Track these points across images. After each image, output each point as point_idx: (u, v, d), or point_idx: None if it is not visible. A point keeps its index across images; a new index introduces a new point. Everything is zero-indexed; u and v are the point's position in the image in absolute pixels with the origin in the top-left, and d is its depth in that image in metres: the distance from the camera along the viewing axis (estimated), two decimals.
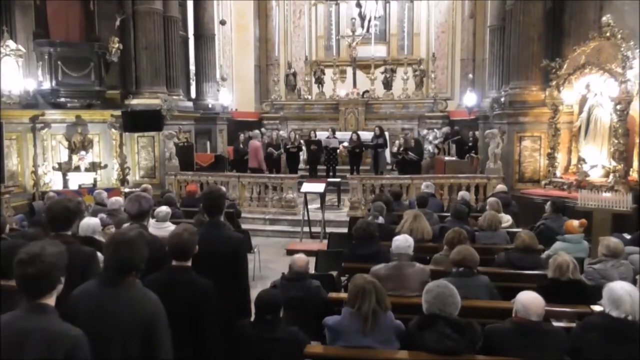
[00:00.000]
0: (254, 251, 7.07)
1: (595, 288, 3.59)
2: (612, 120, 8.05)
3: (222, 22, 16.23)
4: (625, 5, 8.12)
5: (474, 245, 5.04)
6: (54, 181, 10.26)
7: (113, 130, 10.62)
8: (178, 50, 12.13)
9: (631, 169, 7.82)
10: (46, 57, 9.87)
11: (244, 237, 3.81)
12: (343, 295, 3.86)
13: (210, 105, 14.24)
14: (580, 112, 8.75)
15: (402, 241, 4.10)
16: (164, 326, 2.38)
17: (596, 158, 8.44)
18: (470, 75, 15.88)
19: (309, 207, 9.24)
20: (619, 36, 7.74)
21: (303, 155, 13.18)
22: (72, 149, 10.44)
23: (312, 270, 4.90)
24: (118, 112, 10.31)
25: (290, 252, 6.52)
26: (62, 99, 10.22)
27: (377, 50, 16.48)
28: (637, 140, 7.75)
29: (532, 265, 4.52)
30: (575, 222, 5.26)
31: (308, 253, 4.79)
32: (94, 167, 10.53)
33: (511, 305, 3.07)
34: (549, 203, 6.37)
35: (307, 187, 9.21)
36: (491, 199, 6.69)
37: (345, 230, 7.55)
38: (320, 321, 3.23)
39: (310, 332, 3.30)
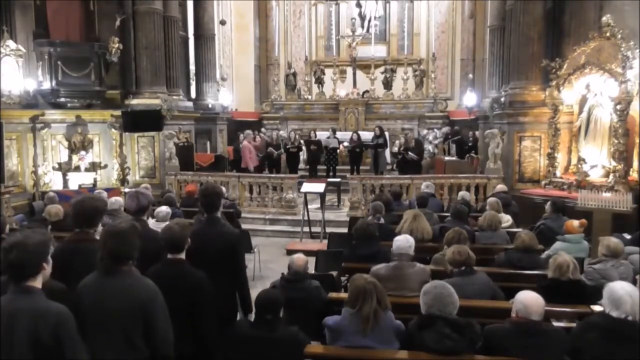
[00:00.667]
0: (253, 251, 7.07)
1: (595, 288, 3.59)
2: (612, 120, 8.05)
3: (222, 22, 16.23)
4: (625, 5, 8.12)
5: (474, 245, 5.06)
6: (54, 181, 10.26)
7: (113, 130, 10.62)
8: (178, 50, 12.13)
9: (631, 169, 7.82)
10: (46, 57, 9.88)
11: (241, 233, 3.91)
12: (343, 295, 3.86)
13: (210, 105, 14.24)
14: (580, 112, 8.75)
15: (403, 241, 4.10)
16: (162, 310, 2.52)
17: (596, 158, 8.44)
18: (470, 75, 15.88)
19: (309, 207, 9.23)
20: (619, 36, 7.74)
21: (303, 155, 13.18)
22: (72, 149, 10.44)
23: (312, 270, 4.91)
24: (118, 112, 10.30)
25: (290, 252, 6.51)
26: (62, 99, 10.22)
27: (377, 50, 16.48)
28: (637, 140, 7.75)
29: (532, 265, 4.52)
30: (575, 222, 5.26)
31: (308, 253, 4.80)
32: (94, 167, 10.53)
33: (511, 305, 3.07)
34: (549, 203, 6.37)
35: (307, 187, 9.21)
36: (491, 199, 6.69)
37: (345, 230, 7.56)
38: (320, 321, 3.23)
39: (310, 332, 3.30)
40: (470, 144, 12.94)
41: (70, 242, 3.17)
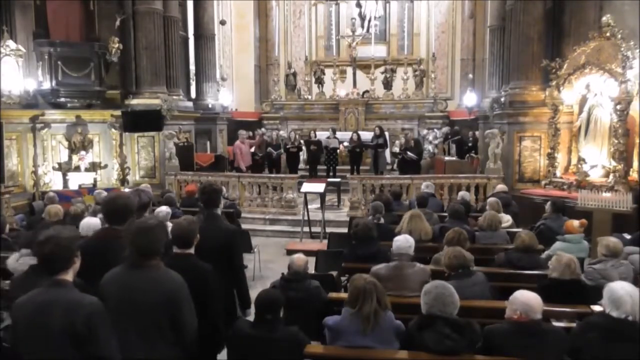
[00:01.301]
0: (253, 251, 7.07)
1: (595, 288, 3.59)
2: (612, 120, 8.05)
3: (222, 22, 16.23)
4: (625, 5, 8.13)
5: (474, 245, 5.05)
6: (54, 181, 10.26)
7: (113, 130, 10.62)
8: (178, 50, 12.13)
9: (631, 169, 7.82)
10: (46, 57, 9.88)
11: (239, 229, 3.98)
12: (343, 295, 3.86)
13: (210, 105, 14.24)
14: (580, 112, 8.75)
15: (403, 241, 4.11)
16: (188, 301, 2.64)
17: (596, 158, 8.44)
18: (470, 75, 15.88)
19: (309, 207, 9.23)
20: (619, 36, 7.74)
21: (303, 155, 13.18)
22: (72, 149, 10.44)
23: (312, 270, 4.91)
24: (118, 112, 10.31)
25: (290, 252, 6.51)
26: (62, 99, 10.22)
27: (377, 50, 16.48)
28: (637, 140, 7.75)
29: (532, 265, 4.52)
30: (576, 222, 5.26)
31: (308, 253, 4.80)
32: (94, 167, 10.53)
33: None
34: (549, 203, 6.37)
35: (307, 187, 9.21)
36: (491, 199, 6.69)
37: (345, 230, 7.55)
38: (320, 321, 3.23)
39: (310, 332, 3.30)
40: (470, 144, 12.94)
41: (98, 238, 3.24)
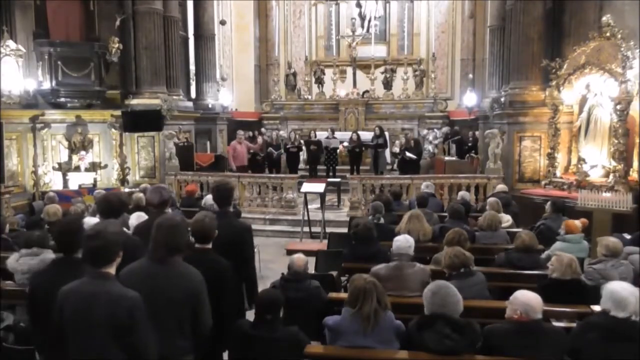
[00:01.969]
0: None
1: (596, 288, 3.59)
2: (612, 120, 8.05)
3: (222, 22, 16.22)
4: (625, 5, 8.13)
5: (474, 245, 5.05)
6: (54, 181, 10.26)
7: (113, 130, 10.62)
8: (178, 50, 12.13)
9: (631, 169, 7.82)
10: (46, 57, 9.88)
11: (249, 226, 4.06)
12: (343, 295, 3.86)
13: (210, 105, 14.24)
14: (580, 112, 8.75)
15: (403, 241, 4.10)
16: (206, 295, 2.74)
17: (596, 158, 8.44)
18: (470, 75, 15.87)
19: (309, 207, 9.23)
20: (619, 36, 7.74)
21: (303, 155, 13.18)
22: (72, 149, 10.44)
23: (312, 270, 4.90)
24: (118, 112, 10.32)
25: (290, 252, 6.50)
26: (62, 99, 10.23)
27: (377, 50, 16.47)
28: (637, 140, 7.75)
29: (532, 265, 4.52)
30: (576, 222, 5.26)
31: (308, 253, 4.79)
32: (94, 167, 10.53)
33: None
34: (549, 203, 6.37)
35: (307, 187, 9.21)
36: (491, 199, 6.68)
37: (345, 230, 7.55)
38: (320, 321, 3.23)
39: (310, 332, 3.30)
40: (470, 144, 12.94)
41: None
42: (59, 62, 9.94)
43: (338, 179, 11.22)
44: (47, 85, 9.95)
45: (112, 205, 3.46)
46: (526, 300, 2.93)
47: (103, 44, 10.48)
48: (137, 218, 4.23)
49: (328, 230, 8.31)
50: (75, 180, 10.26)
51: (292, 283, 3.92)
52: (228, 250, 3.48)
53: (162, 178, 10.73)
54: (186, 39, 13.76)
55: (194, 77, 14.53)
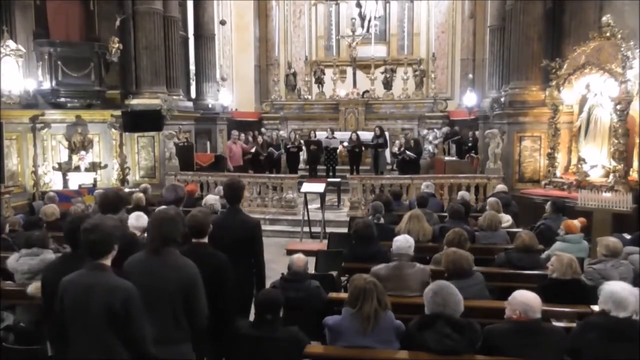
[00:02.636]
0: None
1: (596, 288, 3.59)
2: (612, 120, 8.05)
3: (222, 22, 16.22)
4: (625, 5, 8.12)
5: (474, 245, 5.05)
6: (54, 181, 10.26)
7: (113, 130, 10.62)
8: (178, 50, 12.13)
9: (631, 169, 7.82)
10: (46, 57, 9.87)
11: (259, 221, 4.22)
12: (343, 295, 3.86)
13: (210, 105, 14.24)
14: (580, 112, 8.74)
15: (403, 241, 4.10)
16: (201, 287, 2.82)
17: (596, 158, 8.44)
18: (470, 75, 15.87)
19: (309, 207, 9.23)
20: (619, 36, 7.74)
21: (303, 155, 13.18)
22: (72, 149, 10.44)
23: (312, 270, 4.90)
24: (118, 112, 10.31)
25: (290, 252, 6.50)
26: (62, 99, 10.22)
27: (377, 50, 16.47)
28: (637, 140, 7.75)
29: (532, 265, 4.52)
30: (575, 222, 5.26)
31: (308, 253, 4.79)
32: (94, 167, 10.53)
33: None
34: (549, 203, 6.37)
35: (307, 187, 9.21)
36: (491, 199, 6.68)
37: (345, 230, 7.55)
38: (320, 321, 3.23)
39: (310, 332, 3.30)
40: (470, 144, 12.94)
41: None
42: (59, 62, 9.94)
43: (338, 179, 11.22)
44: (47, 85, 9.95)
45: (110, 200, 3.59)
46: (525, 300, 2.94)
47: (103, 44, 10.47)
48: (136, 218, 4.24)
49: (328, 230, 8.31)
50: (75, 180, 10.26)
51: (292, 283, 3.93)
52: (240, 245, 3.65)
53: (162, 178, 10.72)
54: (186, 39, 13.76)
55: (194, 77, 14.52)
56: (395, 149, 12.59)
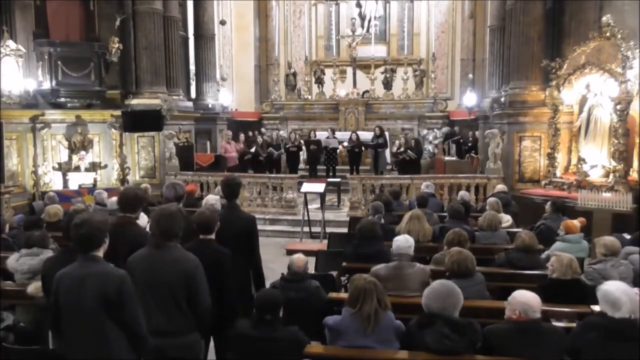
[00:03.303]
0: None
1: (595, 288, 3.59)
2: (612, 120, 8.04)
3: (222, 22, 16.22)
4: (625, 5, 8.13)
5: (474, 245, 5.05)
6: (54, 181, 10.26)
7: (113, 130, 10.62)
8: (178, 50, 12.13)
9: (631, 169, 7.82)
10: (46, 57, 9.88)
11: (254, 218, 4.44)
12: (343, 295, 3.86)
13: (210, 105, 14.24)
14: (580, 112, 8.74)
15: (403, 241, 4.10)
16: (203, 279, 2.98)
17: (596, 158, 8.43)
18: (470, 75, 15.87)
19: (309, 207, 9.23)
20: (619, 36, 7.73)
21: (303, 155, 13.18)
22: (72, 149, 10.44)
23: (312, 270, 4.90)
24: (118, 112, 10.31)
25: (290, 252, 6.51)
26: (62, 99, 10.22)
27: (377, 50, 16.46)
28: (637, 140, 7.75)
29: (532, 265, 4.52)
30: (575, 222, 5.26)
31: (308, 253, 4.79)
32: (94, 167, 10.53)
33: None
34: (549, 203, 6.37)
35: (307, 187, 9.21)
36: (491, 199, 6.68)
37: (345, 230, 7.55)
38: (320, 321, 3.23)
39: (310, 332, 3.30)
40: (470, 144, 12.94)
41: (115, 225, 3.46)
42: (59, 62, 9.94)
43: (338, 179, 11.22)
44: (47, 85, 9.95)
45: (128, 199, 3.71)
46: (525, 300, 2.94)
47: (103, 44, 10.47)
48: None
49: (328, 230, 8.31)
50: (75, 180, 10.26)
51: (292, 283, 3.92)
52: (236, 240, 3.79)
53: (162, 178, 10.72)
54: (186, 39, 13.76)
55: (194, 77, 14.52)
56: (395, 149, 12.60)
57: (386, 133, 12.90)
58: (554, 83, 8.79)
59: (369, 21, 17.15)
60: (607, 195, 7.00)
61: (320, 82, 15.92)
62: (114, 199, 6.47)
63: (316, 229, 9.13)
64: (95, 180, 10.39)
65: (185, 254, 2.99)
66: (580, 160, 8.66)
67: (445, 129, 14.18)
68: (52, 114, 10.24)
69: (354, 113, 14.82)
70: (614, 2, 8.39)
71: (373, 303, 2.98)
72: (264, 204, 10.19)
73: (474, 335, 2.86)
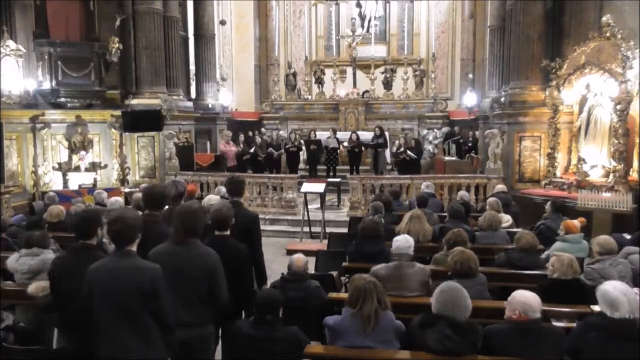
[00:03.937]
0: None
1: (595, 288, 3.59)
2: (612, 120, 8.04)
3: (222, 22, 16.23)
4: (625, 5, 8.12)
5: (474, 246, 5.05)
6: (54, 181, 10.26)
7: (113, 130, 10.62)
8: (178, 50, 12.13)
9: (631, 169, 7.81)
10: (46, 57, 9.87)
11: (257, 215, 4.56)
12: (343, 295, 3.86)
13: (210, 105, 14.24)
14: (580, 112, 8.74)
15: (403, 241, 4.10)
16: (222, 274, 3.15)
17: (596, 158, 8.43)
18: (470, 75, 15.88)
19: (309, 207, 9.23)
20: (619, 36, 7.73)
21: (303, 155, 13.18)
22: (72, 149, 10.44)
23: (312, 270, 4.90)
24: (118, 112, 10.31)
25: (290, 252, 6.51)
26: (62, 99, 10.22)
27: (377, 50, 16.46)
28: (637, 140, 7.75)
29: (532, 265, 4.51)
30: (575, 222, 5.26)
31: (308, 253, 4.80)
32: (94, 167, 10.53)
33: None
34: (549, 203, 6.36)
35: (307, 187, 9.21)
36: (491, 199, 6.68)
37: (345, 230, 7.55)
38: (320, 321, 3.23)
39: (310, 332, 3.30)
40: (470, 144, 12.95)
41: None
42: (59, 62, 9.94)
43: (338, 179, 11.21)
44: (47, 85, 9.95)
45: (154, 197, 3.86)
46: (524, 300, 2.93)
47: (103, 44, 10.47)
48: None
49: (328, 230, 8.31)
50: (75, 180, 10.25)
51: (292, 283, 3.93)
52: (239, 236, 3.85)
53: (162, 178, 10.71)
54: (186, 39, 13.76)
55: (194, 77, 14.52)
56: (395, 149, 12.60)
57: (386, 133, 12.90)
58: (554, 83, 8.79)
59: (369, 21, 17.15)
60: (607, 195, 7.00)
61: (320, 82, 15.91)
62: (114, 199, 6.51)
63: (316, 229, 9.13)
64: (95, 180, 10.39)
65: (206, 250, 3.15)
66: (580, 160, 8.65)
67: (445, 129, 14.18)
68: (52, 114, 10.24)
69: (354, 113, 14.82)
70: (614, 2, 8.39)
71: (373, 303, 2.98)
72: (264, 204, 10.19)
73: (475, 336, 2.86)
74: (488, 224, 5.57)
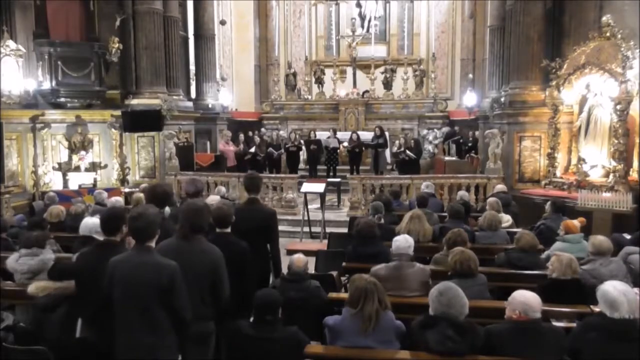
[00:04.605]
0: None
1: (594, 288, 3.59)
2: (612, 120, 8.04)
3: (222, 22, 16.22)
4: (625, 5, 8.12)
5: (474, 246, 5.05)
6: (54, 181, 10.25)
7: (113, 130, 10.62)
8: (178, 50, 12.12)
9: (631, 169, 7.81)
10: (46, 57, 9.87)
11: (275, 211, 4.69)
12: (343, 295, 3.87)
13: (210, 105, 14.24)
14: (580, 112, 8.74)
15: (402, 241, 4.10)
16: (224, 270, 3.21)
17: (596, 158, 8.43)
18: (470, 75, 15.88)
19: (309, 207, 9.23)
20: (619, 36, 7.74)
21: (303, 155, 13.18)
22: (72, 149, 10.43)
23: (312, 270, 4.91)
24: (118, 112, 10.31)
25: (290, 252, 6.51)
26: (62, 99, 10.22)
27: (377, 50, 16.46)
28: (637, 140, 7.75)
29: (532, 265, 4.52)
30: (575, 222, 5.25)
31: (308, 253, 4.81)
32: (94, 167, 10.53)
33: None
34: (549, 203, 6.36)
35: (307, 187, 9.21)
36: (491, 199, 6.68)
37: (345, 230, 7.55)
38: (320, 321, 3.23)
39: (310, 332, 3.30)
40: (470, 144, 12.94)
41: None
42: (59, 62, 9.93)
43: (338, 179, 11.21)
44: (47, 85, 9.94)
45: (158, 195, 3.93)
46: (524, 299, 2.93)
47: (103, 44, 10.47)
48: (86, 226, 4.35)
49: (328, 230, 8.31)
50: (75, 180, 10.25)
51: (292, 283, 3.93)
52: (256, 233, 3.97)
53: (162, 178, 10.71)
54: (186, 39, 13.76)
55: (194, 77, 14.51)
56: (395, 149, 12.60)
57: (386, 133, 12.90)
58: (554, 83, 8.79)
59: (369, 21, 17.14)
60: (607, 195, 7.00)
61: (320, 82, 15.91)
62: (114, 199, 6.51)
63: (316, 229, 9.13)
64: (95, 180, 10.39)
65: (210, 246, 3.23)
66: (580, 160, 8.65)
67: (445, 129, 14.17)
68: (52, 114, 10.24)
69: (354, 113, 14.81)
70: (614, 2, 8.38)
71: (374, 303, 2.99)
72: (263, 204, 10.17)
73: (475, 337, 2.86)
74: (488, 224, 5.58)
